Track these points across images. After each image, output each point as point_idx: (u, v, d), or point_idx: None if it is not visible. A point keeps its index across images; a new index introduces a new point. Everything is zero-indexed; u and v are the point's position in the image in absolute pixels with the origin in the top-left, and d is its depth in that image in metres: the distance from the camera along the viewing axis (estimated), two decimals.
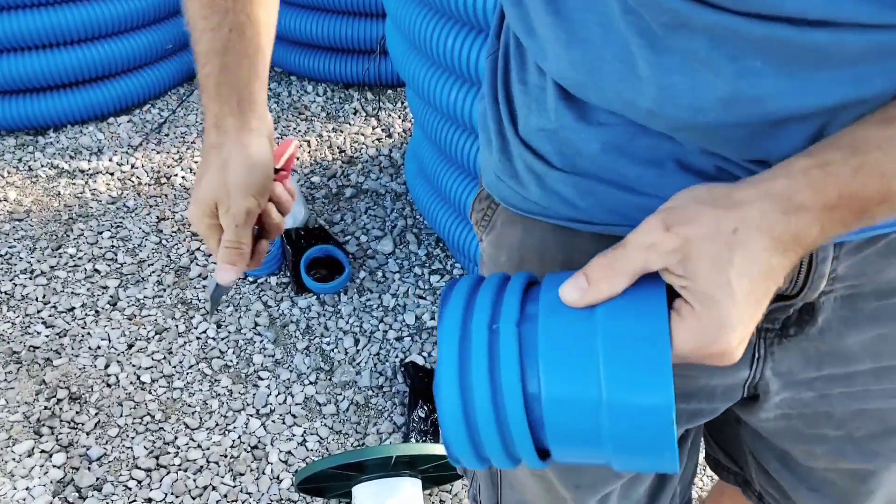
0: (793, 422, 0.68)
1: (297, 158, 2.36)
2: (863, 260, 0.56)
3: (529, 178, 0.60)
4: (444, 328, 0.48)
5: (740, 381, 0.64)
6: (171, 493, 1.50)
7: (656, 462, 0.44)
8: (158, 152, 2.35)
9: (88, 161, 2.31)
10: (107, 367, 1.73)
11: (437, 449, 1.36)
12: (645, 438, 0.43)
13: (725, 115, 0.47)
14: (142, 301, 1.89)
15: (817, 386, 0.65)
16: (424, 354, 1.78)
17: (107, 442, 1.58)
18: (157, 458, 1.56)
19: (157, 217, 2.12)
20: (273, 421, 1.64)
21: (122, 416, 1.63)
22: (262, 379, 1.73)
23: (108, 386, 1.69)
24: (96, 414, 1.63)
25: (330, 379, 1.73)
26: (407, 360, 1.75)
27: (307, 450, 1.59)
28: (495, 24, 0.66)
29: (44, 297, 1.89)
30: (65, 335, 1.79)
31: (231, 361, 1.76)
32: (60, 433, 1.59)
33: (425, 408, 1.61)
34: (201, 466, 1.55)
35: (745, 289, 0.42)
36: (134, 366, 1.74)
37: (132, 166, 2.29)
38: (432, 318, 1.87)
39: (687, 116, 0.48)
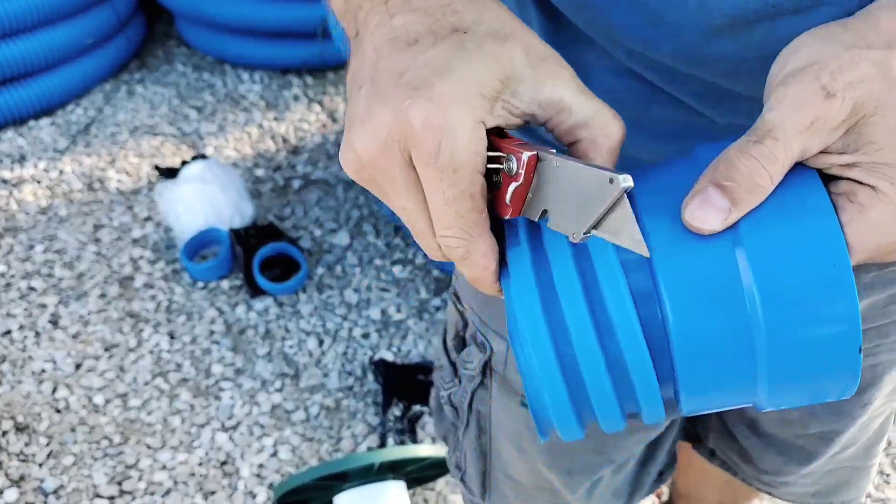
0: None
1: (239, 152, 2.25)
2: None
3: None
4: (512, 259, 0.36)
5: None
6: None
7: (830, 392, 0.35)
8: (88, 155, 2.20)
9: (11, 170, 2.15)
10: (54, 391, 1.61)
11: (421, 450, 1.31)
12: (822, 370, 0.34)
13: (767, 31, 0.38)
14: (86, 317, 1.76)
15: None
16: (394, 349, 1.72)
17: (62, 472, 1.48)
18: (119, 483, 1.46)
19: (94, 225, 1.99)
20: (240, 433, 1.56)
21: (76, 442, 1.52)
22: (223, 390, 1.64)
23: (58, 411, 1.58)
24: (48, 443, 1.52)
25: (296, 384, 1.65)
26: (376, 358, 1.69)
27: (280, 460, 1.52)
28: None
29: None
30: (3, 361, 1.66)
31: (189, 374, 1.66)
32: (9, 467, 1.47)
33: (400, 406, 1.55)
34: (169, 489, 1.46)
35: None
36: (84, 387, 1.62)
37: (60, 172, 2.14)
38: (398, 311, 1.80)
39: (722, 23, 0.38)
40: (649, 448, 0.76)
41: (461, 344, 0.69)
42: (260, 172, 2.18)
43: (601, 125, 0.35)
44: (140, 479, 1.47)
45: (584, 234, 0.32)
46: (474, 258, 0.34)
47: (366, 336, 1.75)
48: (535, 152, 0.33)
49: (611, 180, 0.30)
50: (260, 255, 1.82)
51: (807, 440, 0.73)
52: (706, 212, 0.32)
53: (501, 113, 0.33)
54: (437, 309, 1.80)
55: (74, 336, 1.72)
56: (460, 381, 0.71)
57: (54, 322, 1.75)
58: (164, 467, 1.49)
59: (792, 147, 0.32)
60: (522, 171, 0.33)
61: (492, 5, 0.35)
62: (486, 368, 0.66)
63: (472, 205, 0.33)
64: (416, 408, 1.56)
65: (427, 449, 1.31)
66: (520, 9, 0.49)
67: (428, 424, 1.58)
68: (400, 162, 0.32)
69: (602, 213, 0.31)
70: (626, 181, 0.30)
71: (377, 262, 1.92)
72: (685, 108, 0.47)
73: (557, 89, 0.34)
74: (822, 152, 0.33)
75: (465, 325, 0.68)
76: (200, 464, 1.50)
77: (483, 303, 0.63)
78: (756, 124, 0.33)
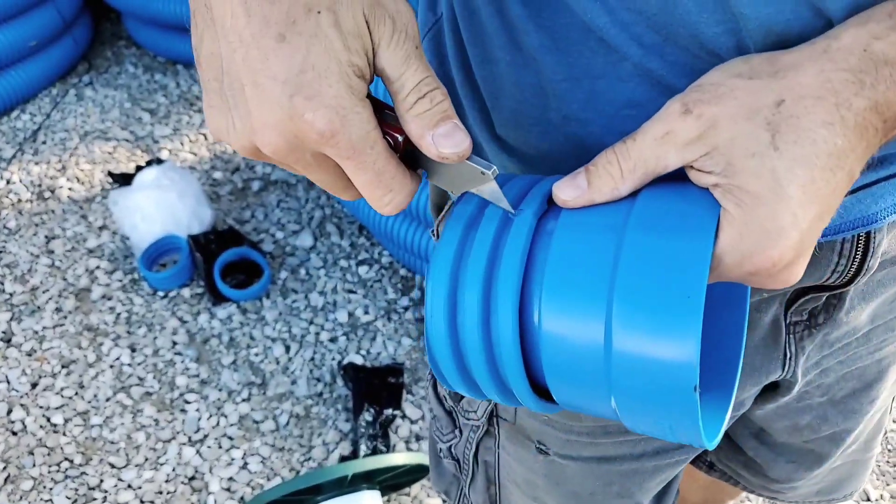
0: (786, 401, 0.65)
1: (195, 154, 2.19)
2: None
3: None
4: (454, 213, 0.39)
5: (769, 383, 0.59)
6: None
7: (674, 428, 0.34)
8: (37, 163, 2.12)
9: None
10: (9, 412, 1.55)
11: (394, 459, 1.28)
12: (658, 396, 0.33)
13: None
14: (41, 333, 1.70)
15: (822, 363, 0.61)
16: (363, 353, 1.68)
17: (21, 497, 1.42)
18: None
19: (46, 236, 1.92)
20: (208, 447, 1.51)
21: (34, 465, 1.46)
22: (189, 402, 1.59)
23: (14, 434, 1.51)
24: (4, 468, 1.46)
25: (264, 393, 1.61)
26: (345, 362, 1.65)
27: (250, 473, 1.48)
28: None
29: None
30: None
31: (152, 388, 1.61)
32: None
33: (371, 410, 1.52)
34: None
35: (799, 180, 0.32)
36: (41, 407, 1.56)
37: (7, 182, 2.06)
38: (366, 314, 1.77)
39: None
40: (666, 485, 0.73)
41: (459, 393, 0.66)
42: (217, 175, 2.12)
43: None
44: (104, 500, 1.42)
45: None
46: (400, 200, 0.37)
47: (333, 340, 1.71)
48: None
49: (482, 173, 0.37)
50: (221, 262, 1.77)
51: (817, 443, 0.71)
52: (566, 186, 0.37)
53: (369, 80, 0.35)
54: (406, 309, 1.77)
55: (29, 353, 1.66)
56: (461, 432, 0.66)
57: (7, 340, 1.68)
58: (129, 486, 1.44)
59: (644, 150, 0.35)
60: (401, 146, 0.37)
61: None
62: (493, 417, 0.63)
63: (393, 164, 0.35)
64: (388, 412, 1.53)
65: (401, 457, 1.29)
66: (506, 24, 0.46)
67: (401, 428, 1.55)
68: (312, 153, 0.35)
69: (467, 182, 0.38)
70: (490, 174, 0.37)
71: (342, 262, 1.88)
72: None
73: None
74: (693, 168, 0.34)
75: None
76: (168, 480, 1.46)
77: None
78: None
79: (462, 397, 0.65)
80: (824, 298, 0.53)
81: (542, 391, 0.39)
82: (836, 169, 0.32)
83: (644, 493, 0.65)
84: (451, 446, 0.69)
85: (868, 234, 0.46)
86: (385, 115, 0.36)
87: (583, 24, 0.40)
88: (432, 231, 0.61)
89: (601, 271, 0.34)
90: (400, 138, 0.36)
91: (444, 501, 0.78)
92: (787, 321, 0.53)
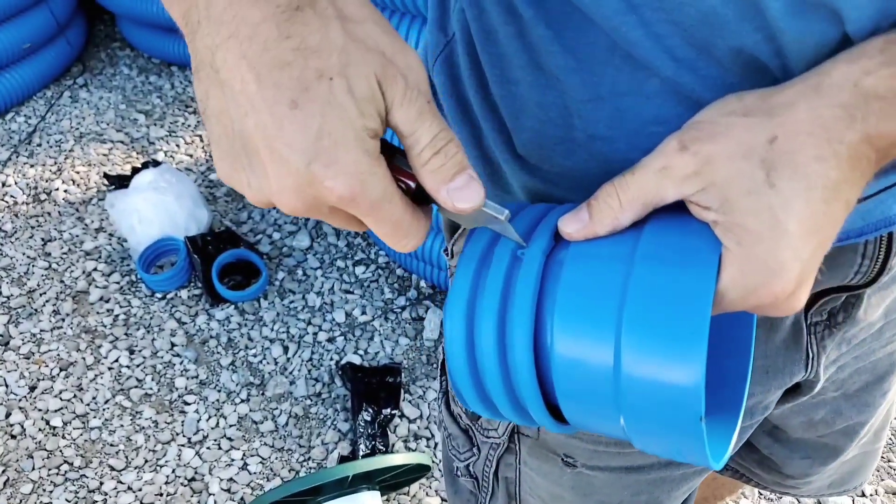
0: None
1: (191, 156, 2.19)
2: None
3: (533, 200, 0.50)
4: (466, 251, 0.41)
5: (791, 385, 0.59)
6: None
7: (682, 449, 0.36)
8: (32, 165, 2.12)
9: None
10: (8, 415, 1.55)
11: (394, 459, 1.29)
12: (666, 422, 0.35)
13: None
14: (38, 336, 1.70)
15: (839, 360, 0.62)
16: (361, 353, 1.69)
17: (21, 501, 1.42)
18: None
19: (42, 239, 1.92)
20: (208, 448, 1.52)
21: (34, 468, 1.47)
22: (188, 404, 1.59)
23: (13, 437, 1.52)
24: (3, 471, 1.46)
25: (263, 393, 1.62)
26: (343, 362, 1.66)
27: (250, 473, 1.48)
28: (435, 8, 0.52)
29: None
30: None
31: (151, 389, 1.61)
32: None
33: (370, 410, 1.53)
34: None
35: (797, 215, 0.33)
36: (40, 410, 1.56)
37: (3, 184, 2.06)
38: (363, 314, 1.77)
39: None
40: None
41: None
42: (214, 176, 2.12)
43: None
44: (104, 502, 1.43)
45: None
46: (416, 242, 0.37)
47: (331, 340, 1.72)
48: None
49: (494, 217, 0.38)
50: (218, 263, 1.77)
51: (831, 437, 0.72)
52: (570, 221, 0.38)
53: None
54: (403, 309, 1.78)
55: (27, 356, 1.66)
56: (479, 450, 0.66)
57: (4, 343, 1.68)
58: (129, 489, 1.45)
59: (643, 182, 0.36)
60: (413, 190, 0.37)
61: (336, 28, 0.33)
62: (514, 434, 0.63)
63: (412, 214, 0.35)
64: (387, 411, 1.54)
65: (400, 457, 1.29)
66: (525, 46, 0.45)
67: (399, 427, 1.56)
68: (331, 209, 0.35)
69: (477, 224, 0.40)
70: (501, 213, 0.37)
71: (339, 263, 1.89)
72: None
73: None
74: (693, 203, 0.35)
75: None
76: (168, 482, 1.46)
77: None
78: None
79: (479, 416, 0.66)
80: (843, 298, 0.54)
81: (557, 412, 0.40)
82: (832, 200, 0.33)
83: (672, 502, 0.66)
84: (468, 464, 0.69)
85: (890, 234, 0.47)
86: (397, 159, 0.36)
87: (608, 41, 0.40)
88: (445, 250, 0.61)
89: (610, 302, 0.35)
90: (413, 185, 0.36)
91: (442, 501, 0.78)
92: (808, 322, 0.54)
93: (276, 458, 1.51)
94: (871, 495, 1.48)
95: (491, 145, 0.50)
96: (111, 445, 1.51)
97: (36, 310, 1.75)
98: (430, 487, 1.46)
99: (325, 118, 0.31)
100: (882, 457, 1.54)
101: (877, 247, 0.48)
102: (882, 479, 1.51)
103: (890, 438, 1.56)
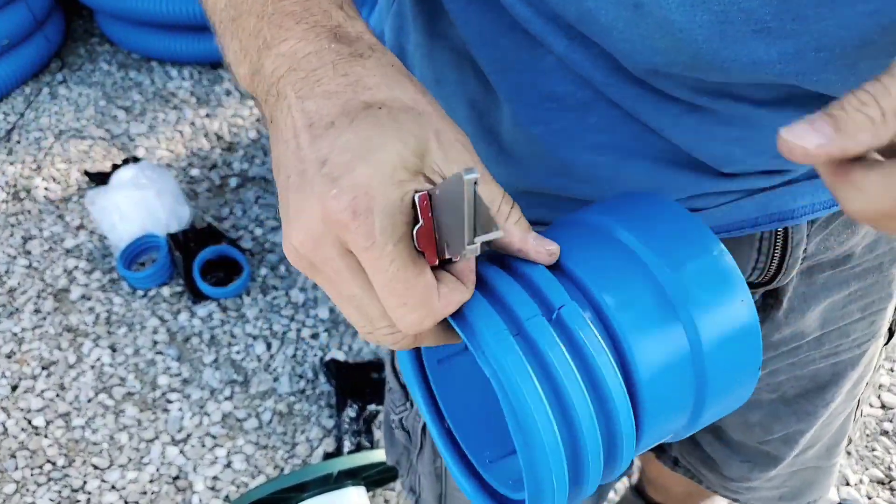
0: None
1: (172, 152, 2.17)
2: (828, 233, 0.53)
3: None
4: (482, 338, 0.33)
5: None
6: None
7: (746, 391, 0.40)
8: (11, 163, 2.10)
9: None
10: None
11: (379, 455, 1.29)
12: (742, 369, 0.38)
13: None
14: (20, 335, 1.69)
15: (769, 364, 0.63)
16: (345, 349, 1.69)
17: (3, 501, 1.41)
18: None
19: (22, 237, 1.90)
20: (192, 446, 1.52)
21: (17, 468, 1.46)
22: (171, 402, 1.59)
23: None
24: None
25: (246, 391, 1.62)
26: (327, 358, 1.66)
27: (234, 471, 1.48)
28: None
29: None
30: None
31: (134, 388, 1.61)
32: None
33: (354, 406, 1.53)
34: None
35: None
36: (22, 409, 1.55)
37: None
38: None
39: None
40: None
41: None
42: (195, 172, 2.11)
43: (502, 214, 0.35)
44: (88, 502, 1.42)
45: (469, 245, 0.30)
46: (413, 318, 0.32)
47: (315, 336, 1.72)
48: (424, 192, 0.32)
49: (459, 177, 0.29)
50: (200, 259, 1.76)
51: (771, 444, 0.73)
52: (804, 132, 0.28)
53: (424, 185, 0.32)
54: None
55: (9, 356, 1.65)
56: (412, 405, 0.69)
57: None
58: (113, 488, 1.45)
59: None
60: (420, 214, 0.32)
61: (404, 81, 0.34)
62: None
63: (416, 270, 0.31)
64: (372, 407, 1.54)
65: (385, 453, 1.30)
66: (460, 72, 0.49)
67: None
68: (338, 251, 0.32)
69: (470, 215, 0.29)
70: (470, 173, 0.28)
71: None
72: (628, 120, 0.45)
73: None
74: None
75: None
76: (152, 481, 1.46)
77: None
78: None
79: None
80: (760, 297, 0.55)
81: None
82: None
83: None
84: (402, 418, 0.71)
85: (787, 233, 0.49)
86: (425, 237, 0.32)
87: (509, 17, 0.43)
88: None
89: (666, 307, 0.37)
90: (416, 199, 0.32)
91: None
92: None
93: (261, 456, 1.51)
94: (855, 485, 1.51)
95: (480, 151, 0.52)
96: (94, 444, 1.51)
97: (17, 309, 1.74)
98: None
99: (367, 139, 0.31)
100: (866, 446, 1.56)
101: (772, 244, 0.49)
102: (867, 469, 1.54)
103: (874, 427, 1.58)
